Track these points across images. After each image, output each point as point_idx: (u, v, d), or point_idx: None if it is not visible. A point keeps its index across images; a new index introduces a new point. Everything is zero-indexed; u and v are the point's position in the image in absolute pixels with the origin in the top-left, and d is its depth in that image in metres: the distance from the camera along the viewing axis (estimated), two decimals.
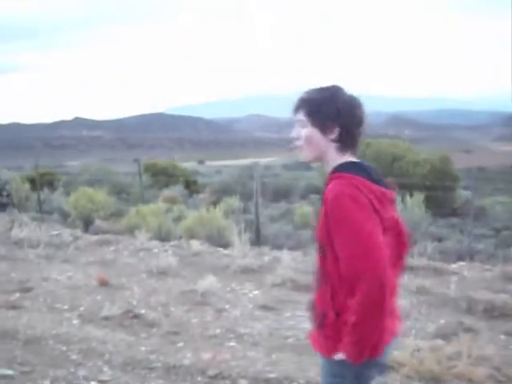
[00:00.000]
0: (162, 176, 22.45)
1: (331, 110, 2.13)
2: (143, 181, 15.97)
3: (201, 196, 21.12)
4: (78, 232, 10.39)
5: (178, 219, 12.36)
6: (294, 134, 2.21)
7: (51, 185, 20.77)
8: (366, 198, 2.03)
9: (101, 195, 14.24)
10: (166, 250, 8.49)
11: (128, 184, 20.96)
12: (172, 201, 17.14)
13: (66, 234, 9.76)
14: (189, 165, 45.86)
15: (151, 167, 24.15)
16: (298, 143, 2.21)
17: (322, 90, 2.18)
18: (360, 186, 2.05)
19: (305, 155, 2.21)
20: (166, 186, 21.77)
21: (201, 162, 67.05)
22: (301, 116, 2.18)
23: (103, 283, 6.68)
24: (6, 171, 17.53)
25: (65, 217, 13.91)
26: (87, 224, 12.91)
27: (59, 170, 29.41)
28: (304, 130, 2.17)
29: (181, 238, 9.88)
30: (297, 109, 2.21)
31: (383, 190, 2.13)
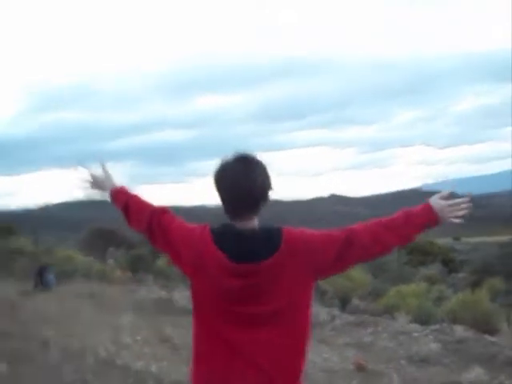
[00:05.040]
0: (418, 253, 21.74)
1: None
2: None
3: (460, 275, 19.87)
4: (335, 311, 10.24)
5: (438, 300, 11.63)
6: None
7: None
8: None
9: (358, 273, 14.15)
10: (426, 335, 7.90)
11: (382, 261, 20.61)
12: (430, 280, 16.36)
13: (323, 312, 9.67)
14: (443, 241, 43.91)
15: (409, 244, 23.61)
16: None
17: None
18: None
19: None
20: (422, 263, 20.98)
21: (456, 238, 63.63)
22: None
23: (360, 368, 6.38)
24: None
25: (321, 294, 14.02)
26: (344, 303, 12.78)
27: None
28: None
29: (443, 321, 9.15)
30: None
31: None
